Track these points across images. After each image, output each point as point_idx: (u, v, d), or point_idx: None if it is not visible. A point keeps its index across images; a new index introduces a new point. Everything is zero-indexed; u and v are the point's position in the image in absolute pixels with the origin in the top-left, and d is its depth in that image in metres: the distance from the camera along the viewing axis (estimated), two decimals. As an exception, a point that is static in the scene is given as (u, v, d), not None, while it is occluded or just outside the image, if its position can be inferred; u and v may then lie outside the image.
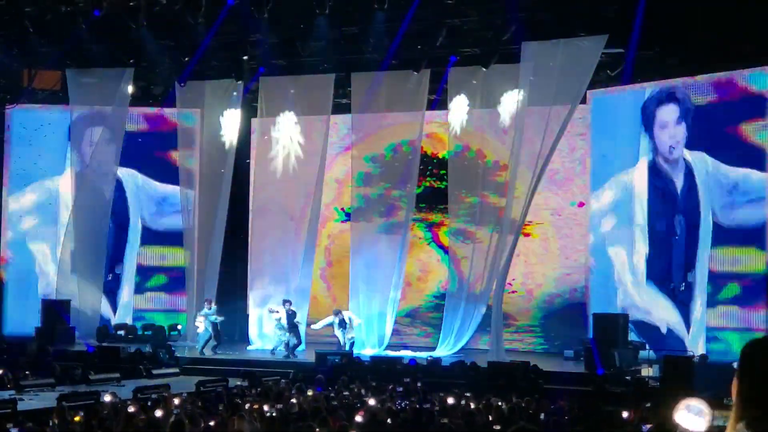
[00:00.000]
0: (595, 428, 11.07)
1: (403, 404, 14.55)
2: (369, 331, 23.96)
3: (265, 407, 13.56)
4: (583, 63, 21.47)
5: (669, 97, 22.09)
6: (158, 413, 11.73)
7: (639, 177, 22.60)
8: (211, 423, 11.45)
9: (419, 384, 17.61)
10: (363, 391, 16.35)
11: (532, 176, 22.06)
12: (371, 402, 14.02)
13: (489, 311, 22.66)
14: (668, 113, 22.12)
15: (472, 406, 13.90)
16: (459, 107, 24.03)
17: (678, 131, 21.90)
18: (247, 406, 13.35)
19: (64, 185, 26.93)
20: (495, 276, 22.45)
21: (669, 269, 21.96)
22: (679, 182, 21.91)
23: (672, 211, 22.04)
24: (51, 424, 11.67)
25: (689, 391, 14.12)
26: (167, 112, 26.97)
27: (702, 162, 21.29)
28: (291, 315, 23.15)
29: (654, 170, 22.37)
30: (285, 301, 23.46)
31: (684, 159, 21.75)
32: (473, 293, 23.10)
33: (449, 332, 23.24)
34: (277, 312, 23.25)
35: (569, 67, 21.65)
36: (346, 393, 15.93)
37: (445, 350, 22.86)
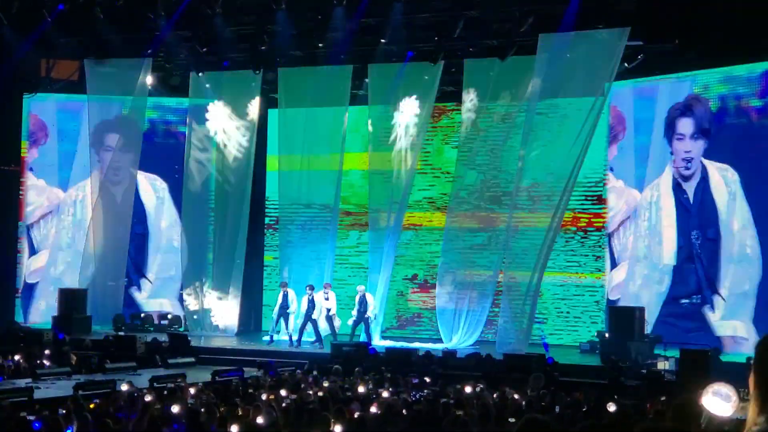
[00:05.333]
0: (609, 421, 11.02)
1: (418, 396, 14.55)
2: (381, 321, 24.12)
3: (282, 395, 13.60)
4: (603, 55, 21.37)
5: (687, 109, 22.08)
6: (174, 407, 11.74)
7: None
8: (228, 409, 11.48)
9: (434, 375, 17.62)
10: (378, 383, 16.36)
11: (551, 169, 22.13)
12: (386, 393, 14.02)
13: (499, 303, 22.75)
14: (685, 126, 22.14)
15: (485, 398, 13.89)
16: (473, 99, 23.93)
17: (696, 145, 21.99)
18: (263, 396, 13.37)
19: (83, 174, 27.03)
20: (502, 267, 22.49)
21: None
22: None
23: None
24: (65, 412, 11.69)
25: (706, 385, 14.05)
26: (184, 102, 27.01)
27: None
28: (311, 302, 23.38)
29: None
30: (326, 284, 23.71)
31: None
32: (489, 285, 23.12)
33: (462, 324, 23.20)
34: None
35: (588, 59, 21.57)
36: (361, 384, 15.92)
37: (458, 342, 22.79)
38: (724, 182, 21.30)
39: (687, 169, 22.04)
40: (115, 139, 26.31)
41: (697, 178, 21.89)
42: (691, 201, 21.99)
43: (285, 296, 23.68)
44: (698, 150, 21.89)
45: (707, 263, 21.47)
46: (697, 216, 21.87)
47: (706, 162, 21.72)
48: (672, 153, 22.35)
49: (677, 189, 22.29)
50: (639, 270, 22.87)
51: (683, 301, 21.95)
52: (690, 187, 22.03)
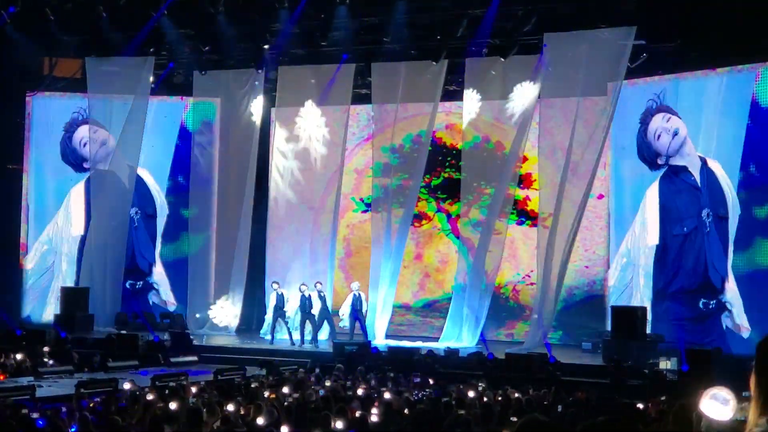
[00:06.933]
0: (613, 419, 11.02)
1: (420, 395, 14.54)
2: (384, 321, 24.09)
3: (284, 392, 13.60)
4: (608, 55, 21.34)
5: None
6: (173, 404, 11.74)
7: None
8: (230, 408, 11.48)
9: (437, 375, 17.62)
10: (380, 382, 16.36)
11: (556, 169, 22.13)
12: (388, 393, 14.01)
13: (508, 302, 22.71)
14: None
15: (487, 398, 13.88)
16: (475, 98, 23.94)
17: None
18: (265, 395, 13.37)
19: (85, 171, 27.05)
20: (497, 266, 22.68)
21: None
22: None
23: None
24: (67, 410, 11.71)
25: (708, 384, 14.05)
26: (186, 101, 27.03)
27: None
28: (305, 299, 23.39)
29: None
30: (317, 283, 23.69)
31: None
32: (491, 284, 23.11)
33: (462, 323, 23.17)
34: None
35: (593, 59, 21.53)
36: (363, 383, 15.93)
37: (457, 342, 22.75)
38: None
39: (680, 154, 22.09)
40: (114, 137, 26.26)
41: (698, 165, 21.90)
42: (699, 183, 21.90)
43: (279, 297, 23.69)
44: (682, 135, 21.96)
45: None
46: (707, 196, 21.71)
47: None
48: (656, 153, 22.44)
49: (680, 174, 22.27)
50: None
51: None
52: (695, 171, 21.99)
